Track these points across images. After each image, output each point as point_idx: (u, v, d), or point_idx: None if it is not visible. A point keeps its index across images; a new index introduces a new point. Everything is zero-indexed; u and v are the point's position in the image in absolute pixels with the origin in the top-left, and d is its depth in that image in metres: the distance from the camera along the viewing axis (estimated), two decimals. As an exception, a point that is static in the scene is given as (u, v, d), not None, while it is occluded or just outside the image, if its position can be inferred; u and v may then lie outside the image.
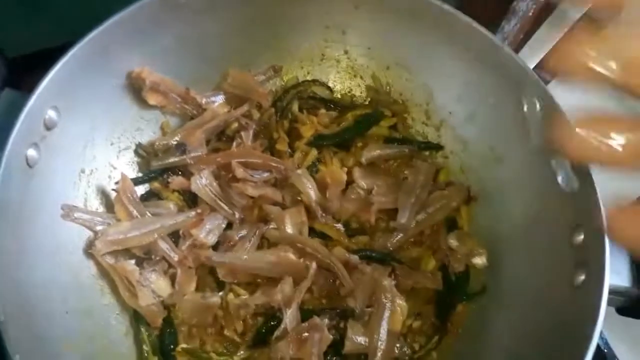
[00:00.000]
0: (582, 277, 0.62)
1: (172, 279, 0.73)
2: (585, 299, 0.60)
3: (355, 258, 0.73)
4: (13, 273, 0.58)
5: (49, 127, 0.66)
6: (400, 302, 0.70)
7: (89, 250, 0.70)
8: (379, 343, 0.69)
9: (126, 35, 0.71)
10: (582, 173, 0.65)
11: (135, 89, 0.77)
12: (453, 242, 0.76)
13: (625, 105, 0.87)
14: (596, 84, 0.41)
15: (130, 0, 0.69)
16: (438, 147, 0.85)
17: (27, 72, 0.83)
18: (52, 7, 0.84)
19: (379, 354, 0.68)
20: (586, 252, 0.63)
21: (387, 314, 0.70)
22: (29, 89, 0.65)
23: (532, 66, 0.86)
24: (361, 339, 0.70)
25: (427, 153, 0.85)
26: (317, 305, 0.73)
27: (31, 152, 0.63)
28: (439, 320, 0.75)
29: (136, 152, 0.80)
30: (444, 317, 0.75)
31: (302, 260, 0.71)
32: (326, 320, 0.70)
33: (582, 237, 0.64)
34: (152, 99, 0.78)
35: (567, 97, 0.74)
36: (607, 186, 0.64)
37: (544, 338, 0.64)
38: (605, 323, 0.91)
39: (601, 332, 0.92)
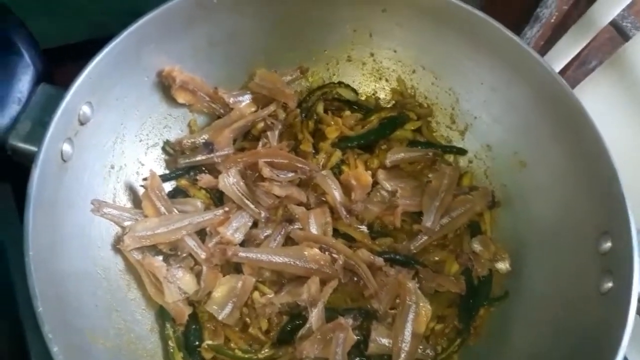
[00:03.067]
0: (609, 285, 0.62)
1: (198, 276, 0.73)
2: (613, 307, 0.60)
3: (379, 260, 0.74)
4: (48, 266, 0.59)
5: (82, 122, 0.66)
6: (425, 304, 0.71)
7: (117, 245, 0.71)
8: (403, 345, 0.69)
9: (158, 33, 0.72)
10: (611, 179, 0.65)
11: (165, 86, 0.78)
12: (477, 246, 0.77)
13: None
14: None
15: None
16: (462, 152, 0.85)
17: (55, 65, 0.84)
18: (75, 3, 0.84)
19: (402, 356, 0.69)
20: (613, 260, 0.63)
21: (411, 316, 0.70)
22: (58, 82, 0.66)
23: (557, 70, 0.86)
24: (385, 341, 0.70)
25: (451, 157, 0.86)
26: (342, 304, 0.74)
27: (66, 147, 0.64)
28: (461, 324, 0.75)
29: (164, 149, 0.80)
30: (466, 320, 0.75)
31: (327, 254, 0.71)
32: (350, 321, 0.70)
33: (609, 244, 0.64)
34: (181, 98, 0.79)
35: (592, 102, 0.74)
36: (636, 193, 0.64)
37: (568, 344, 0.65)
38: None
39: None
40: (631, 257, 0.60)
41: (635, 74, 0.85)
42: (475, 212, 0.79)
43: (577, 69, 1.06)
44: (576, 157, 0.71)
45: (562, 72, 1.01)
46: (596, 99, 0.92)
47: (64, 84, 0.65)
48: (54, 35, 0.87)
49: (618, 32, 0.86)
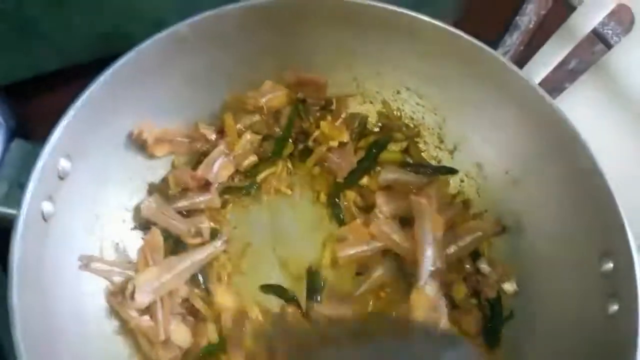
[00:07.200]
0: (615, 307, 0.61)
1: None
2: (621, 329, 0.59)
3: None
4: (38, 332, 0.56)
5: (62, 177, 0.63)
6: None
7: (131, 305, 0.68)
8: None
9: (134, 76, 0.68)
10: (605, 197, 0.64)
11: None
12: (485, 267, 0.75)
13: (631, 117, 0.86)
14: None
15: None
16: (453, 171, 0.84)
17: (22, 99, 0.78)
18: (43, 32, 0.80)
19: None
20: (617, 281, 0.62)
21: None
22: (27, 119, 0.61)
23: (538, 81, 0.85)
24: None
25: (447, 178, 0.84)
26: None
27: (47, 206, 0.60)
28: (489, 347, 0.74)
29: (149, 192, 0.77)
30: (493, 345, 0.74)
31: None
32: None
33: (610, 265, 0.63)
34: (159, 151, 0.76)
35: (574, 110, 0.73)
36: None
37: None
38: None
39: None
40: (634, 277, 0.60)
41: (618, 82, 0.84)
42: (483, 240, 0.78)
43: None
44: (568, 175, 0.70)
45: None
46: (580, 108, 0.91)
47: (31, 120, 0.60)
48: (18, 69, 0.82)
49: (600, 40, 0.86)
